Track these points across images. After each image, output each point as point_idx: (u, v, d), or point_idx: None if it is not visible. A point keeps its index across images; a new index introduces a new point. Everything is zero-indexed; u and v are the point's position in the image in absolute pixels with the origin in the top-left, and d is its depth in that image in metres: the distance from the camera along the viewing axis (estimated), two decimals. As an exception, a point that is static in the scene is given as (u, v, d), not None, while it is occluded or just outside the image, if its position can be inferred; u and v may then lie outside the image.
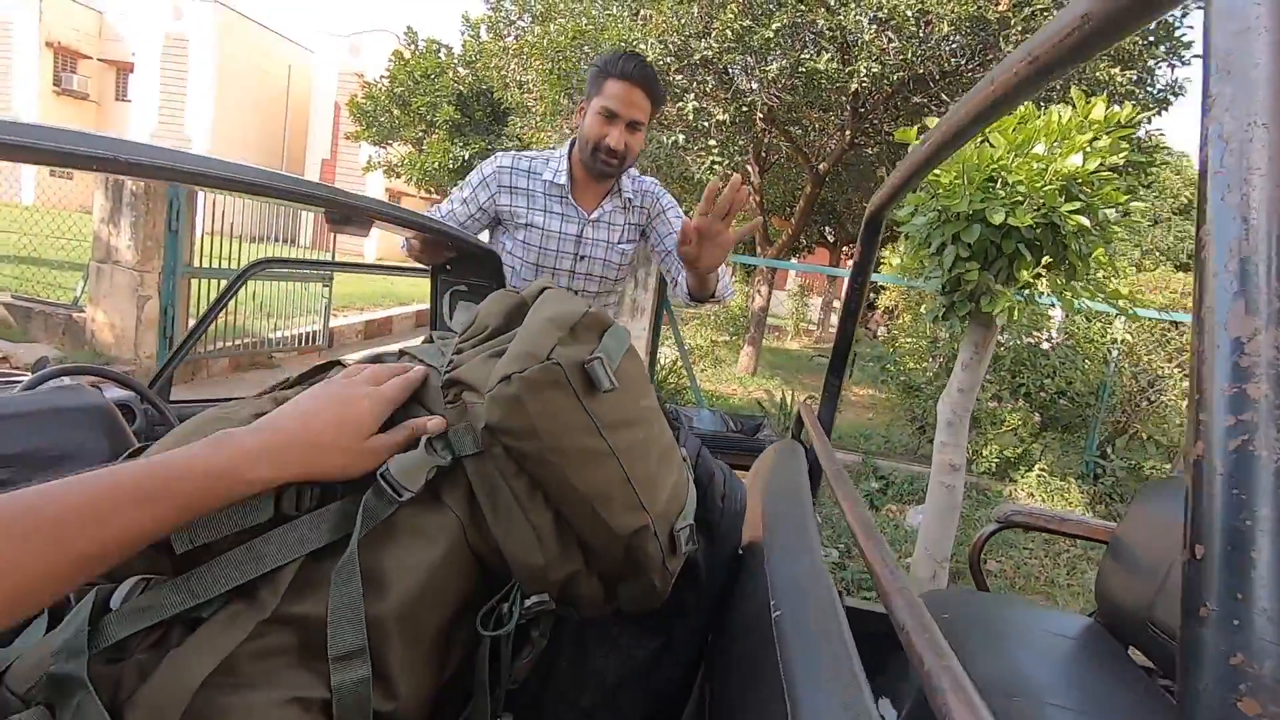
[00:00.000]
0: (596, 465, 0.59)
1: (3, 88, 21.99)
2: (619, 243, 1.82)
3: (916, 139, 2.87)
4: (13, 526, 0.36)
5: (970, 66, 5.44)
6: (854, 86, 4.86)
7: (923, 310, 3.86)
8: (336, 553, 0.52)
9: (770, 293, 8.72)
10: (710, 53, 4.95)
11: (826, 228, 13.16)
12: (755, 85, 5.68)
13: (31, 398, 0.67)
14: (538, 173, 1.73)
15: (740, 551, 0.83)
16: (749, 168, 7.70)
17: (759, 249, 8.71)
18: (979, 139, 2.72)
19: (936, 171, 2.77)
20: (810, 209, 7.85)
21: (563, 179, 1.71)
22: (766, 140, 6.60)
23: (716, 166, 5.64)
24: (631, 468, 0.62)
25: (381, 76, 13.00)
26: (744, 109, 5.53)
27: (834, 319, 17.97)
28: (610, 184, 1.78)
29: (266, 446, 0.49)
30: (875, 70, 4.69)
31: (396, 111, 12.61)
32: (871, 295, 11.27)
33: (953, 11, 4.44)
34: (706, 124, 5.48)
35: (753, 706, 0.56)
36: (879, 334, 8.42)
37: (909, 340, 5.31)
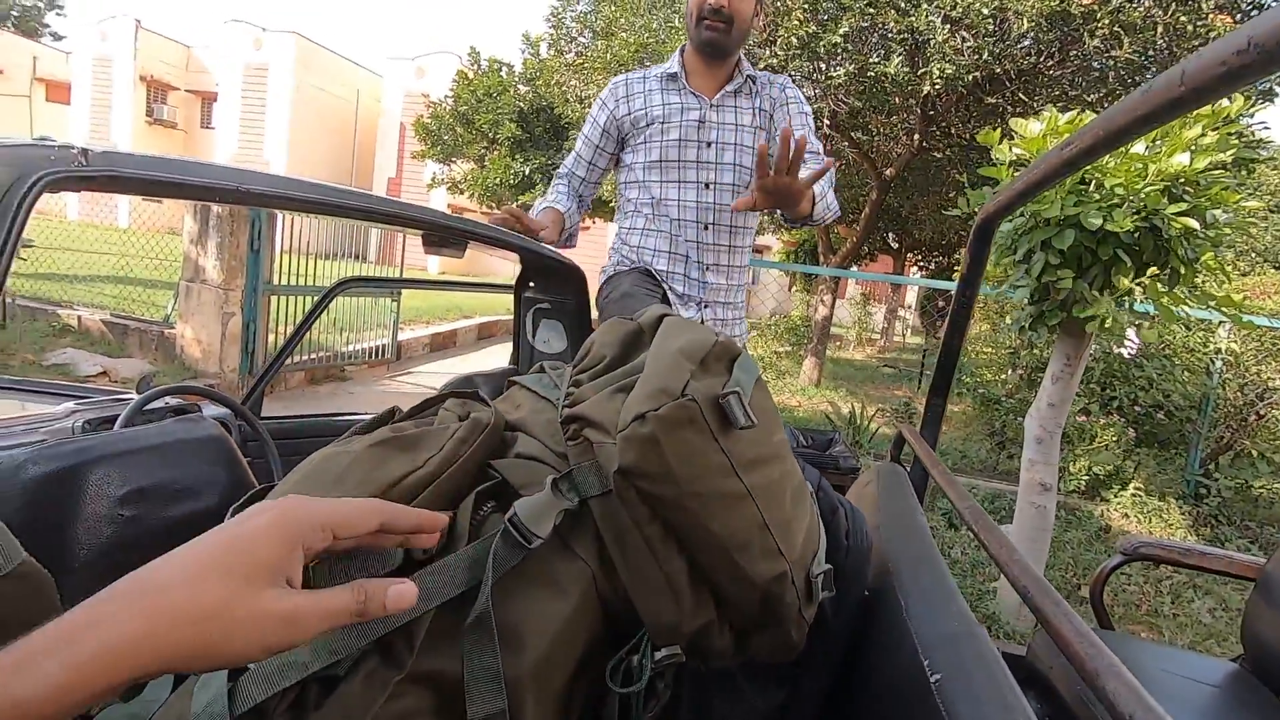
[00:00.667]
0: (734, 509, 0.55)
1: (102, 119, 23.68)
2: (749, 126, 1.67)
3: (999, 142, 2.74)
4: None
5: (1049, 65, 5.19)
6: (926, 89, 4.71)
7: (1007, 320, 3.68)
8: (467, 602, 0.49)
9: (834, 302, 8.52)
10: (775, 61, 4.89)
11: (890, 234, 12.80)
12: (819, 91, 5.57)
13: (157, 431, 0.67)
14: (650, 74, 1.69)
15: (867, 594, 0.77)
16: (811, 175, 7.55)
17: (822, 258, 8.53)
18: (1072, 139, 2.57)
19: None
20: (875, 216, 7.64)
21: (674, 68, 1.65)
22: (831, 146, 6.47)
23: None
24: (768, 510, 0.57)
25: (445, 96, 13.39)
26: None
27: (898, 328, 17.47)
28: (728, 66, 1.66)
29: (55, 636, 0.30)
30: (948, 71, 4.53)
31: (460, 129, 12.96)
32: (941, 303, 10.90)
33: (1032, 8, 4.25)
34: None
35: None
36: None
37: (986, 350, 5.07)
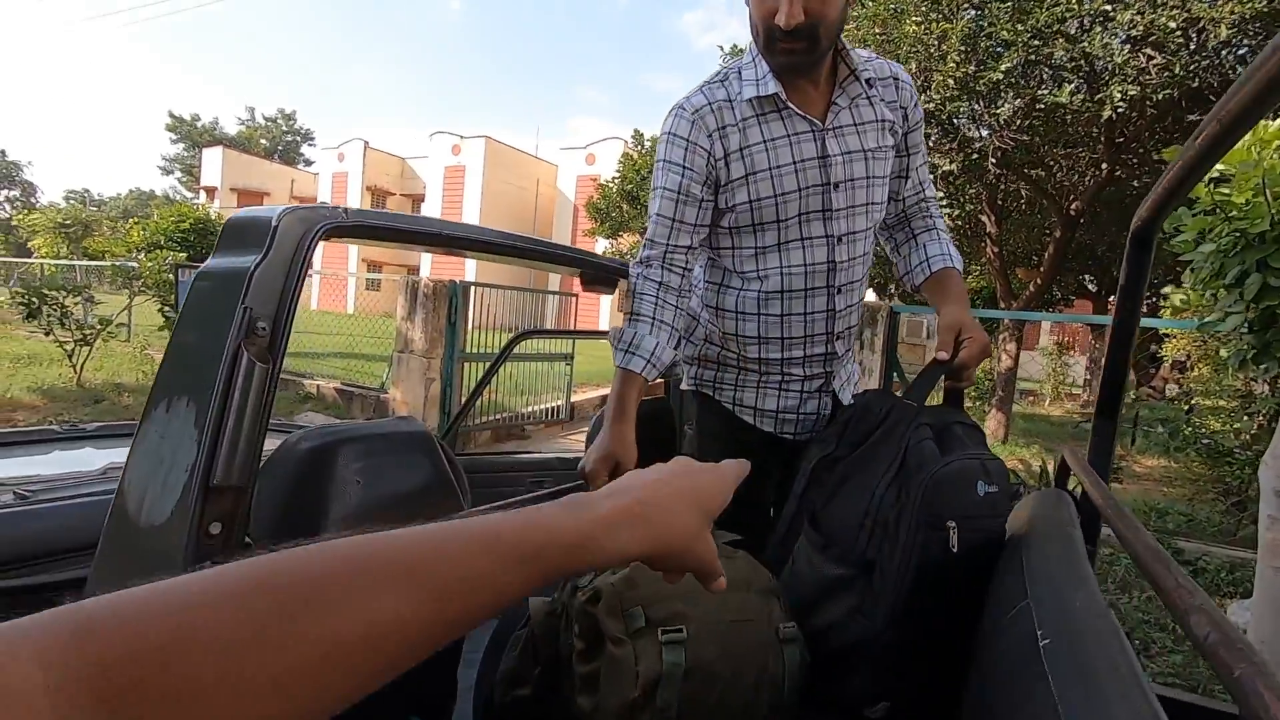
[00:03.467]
0: None
1: (337, 225, 28.48)
2: (876, 150, 1.24)
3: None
4: (400, 586, 0.31)
5: (1265, 70, 4.59)
6: (1107, 114, 4.36)
7: (1223, 354, 3.19)
8: None
9: (1019, 351, 7.83)
10: (931, 105, 4.81)
11: (1086, 276, 11.59)
12: (985, 131, 5.36)
13: (381, 424, 0.89)
14: (736, 95, 1.20)
15: (1004, 581, 0.77)
16: (983, 218, 7.15)
17: (1001, 304, 7.93)
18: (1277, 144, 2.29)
19: (1226, 190, 2.37)
20: (1062, 255, 7.01)
21: (771, 86, 1.17)
22: (1003, 186, 6.13)
23: (946, 219, 5.36)
24: None
25: (613, 177, 14.50)
26: (974, 156, 5.22)
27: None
28: (826, 64, 1.19)
29: (624, 516, 0.42)
30: (1133, 93, 4.17)
31: (626, 206, 13.92)
32: (1153, 346, 9.57)
33: (1231, 13, 3.83)
34: (932, 176, 5.30)
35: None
36: (1167, 392, 7.08)
37: (1210, 397, 4.40)
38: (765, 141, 1.19)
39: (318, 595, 0.29)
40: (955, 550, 0.94)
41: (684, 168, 1.19)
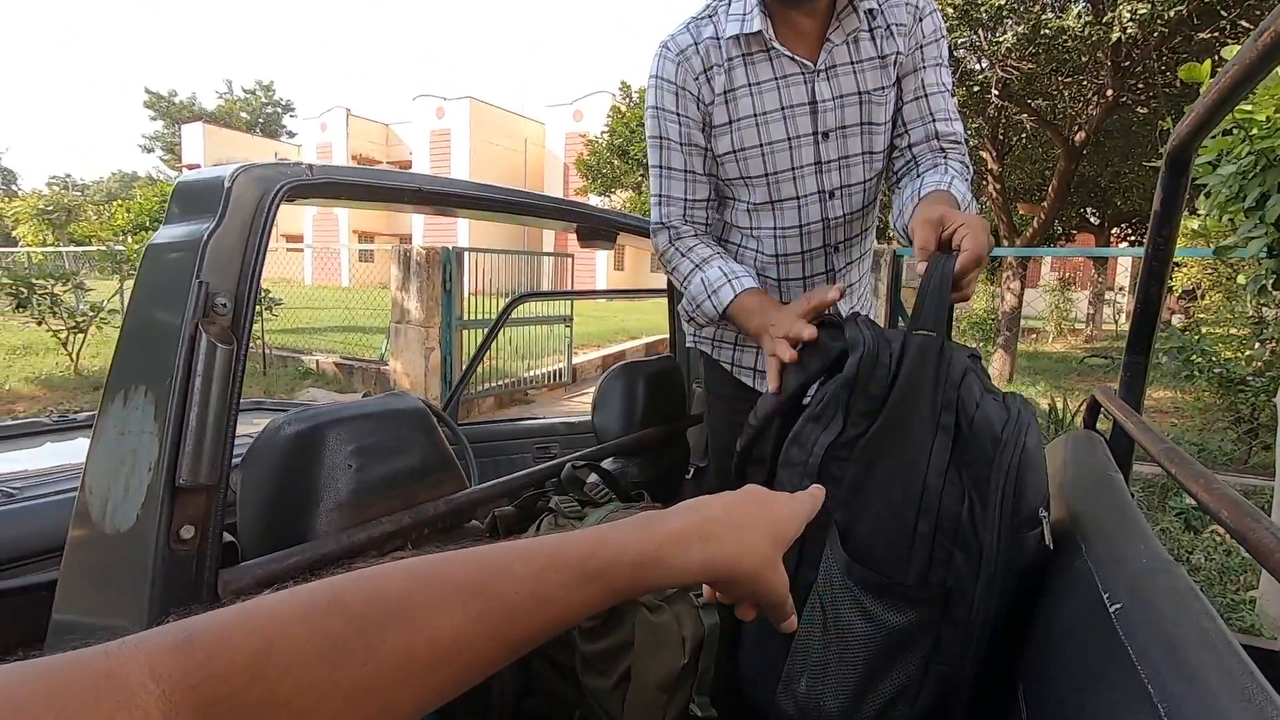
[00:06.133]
0: None
1: (325, 197, 27.98)
2: (877, 90, 1.11)
3: (1209, 78, 2.37)
4: (468, 604, 0.33)
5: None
6: (1115, 37, 4.17)
7: (1240, 280, 3.08)
8: None
9: (1023, 289, 7.73)
10: (929, 37, 4.61)
11: (1088, 209, 11.38)
12: (985, 62, 5.16)
13: (373, 402, 0.82)
14: (721, 32, 1.09)
15: (1046, 546, 0.72)
16: (984, 154, 6.96)
17: (1004, 241, 7.80)
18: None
19: (1248, 107, 2.25)
20: (1066, 188, 6.84)
21: (756, 22, 1.05)
22: (1004, 119, 5.94)
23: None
24: None
25: (602, 132, 14.15)
26: (975, 89, 5.03)
27: (1107, 314, 15.34)
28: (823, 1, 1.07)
29: (694, 532, 0.43)
30: (1142, 12, 3.98)
31: (617, 162, 13.62)
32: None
33: (1246, -81, 3.63)
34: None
35: (1104, 710, 0.47)
36: (1174, 322, 7.02)
37: (1222, 325, 4.32)
38: (750, 85, 1.09)
39: (389, 613, 0.30)
40: (1051, 546, 0.70)
41: (678, 114, 1.11)
